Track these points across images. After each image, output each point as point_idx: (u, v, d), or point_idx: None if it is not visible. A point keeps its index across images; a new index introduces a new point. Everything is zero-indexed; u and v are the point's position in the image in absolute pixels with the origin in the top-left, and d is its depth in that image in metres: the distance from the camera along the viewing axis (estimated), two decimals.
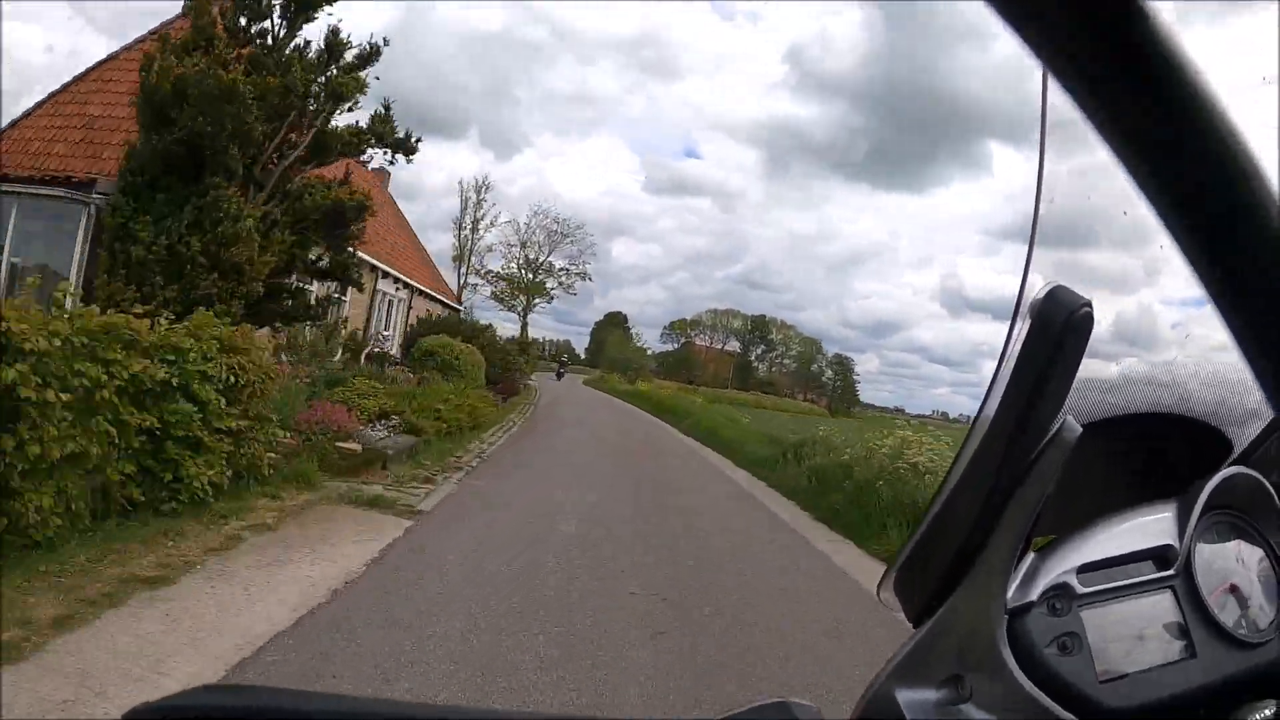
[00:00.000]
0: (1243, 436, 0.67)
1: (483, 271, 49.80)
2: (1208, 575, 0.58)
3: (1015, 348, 0.50)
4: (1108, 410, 0.63)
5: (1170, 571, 0.58)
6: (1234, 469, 0.63)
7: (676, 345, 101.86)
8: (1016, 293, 0.52)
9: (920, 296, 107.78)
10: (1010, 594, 0.54)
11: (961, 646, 0.53)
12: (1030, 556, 0.56)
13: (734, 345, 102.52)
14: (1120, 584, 0.57)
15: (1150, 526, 0.60)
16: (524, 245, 53.07)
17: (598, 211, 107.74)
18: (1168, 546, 0.58)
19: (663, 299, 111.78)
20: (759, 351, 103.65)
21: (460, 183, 66.78)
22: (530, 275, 52.64)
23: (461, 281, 45.72)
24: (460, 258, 47.59)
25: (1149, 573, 0.58)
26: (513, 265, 52.01)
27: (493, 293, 50.86)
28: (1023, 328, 0.49)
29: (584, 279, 55.25)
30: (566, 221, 57.04)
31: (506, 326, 42.44)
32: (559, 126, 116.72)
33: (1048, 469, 0.52)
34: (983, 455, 0.52)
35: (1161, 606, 0.57)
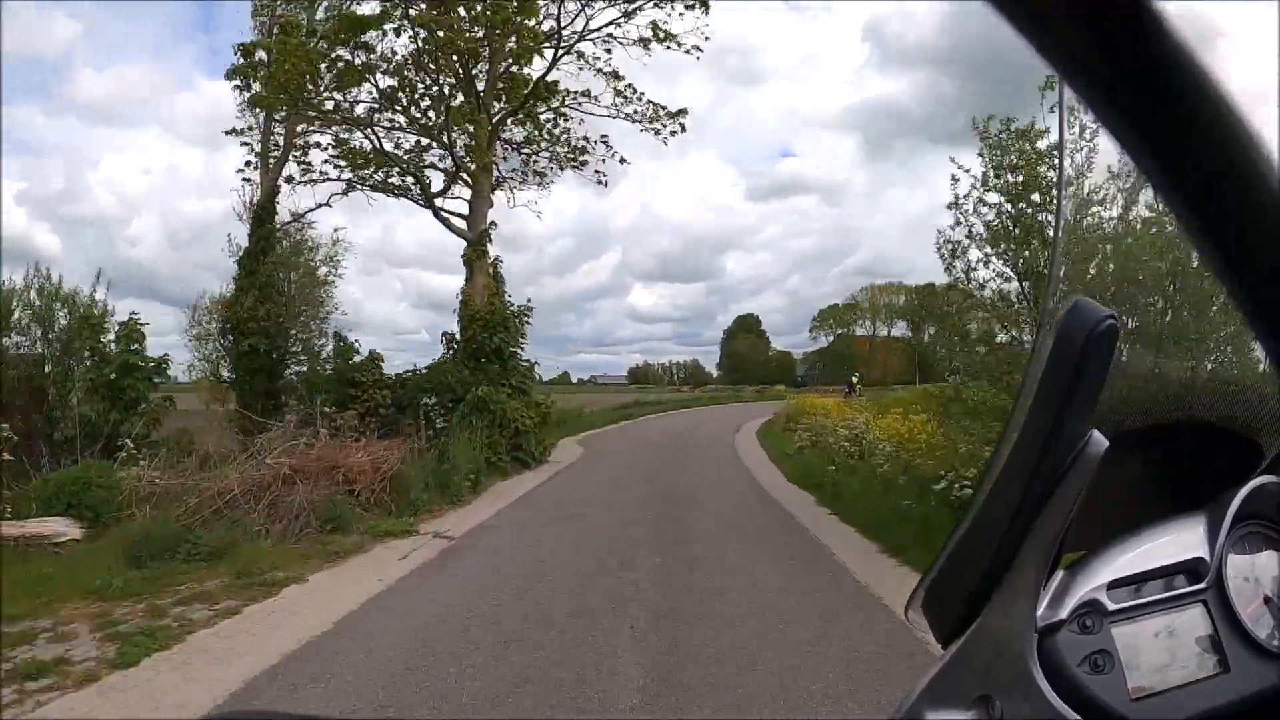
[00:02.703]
0: (1273, 444, 0.65)
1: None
2: (1240, 587, 0.57)
3: (1040, 362, 0.50)
4: (1136, 421, 0.64)
5: (1202, 585, 0.57)
6: (1264, 478, 0.61)
7: (829, 339, 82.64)
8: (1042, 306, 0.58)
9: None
10: (1040, 612, 0.53)
11: (991, 666, 0.53)
12: (1059, 574, 0.56)
13: (900, 329, 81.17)
14: (1151, 599, 0.56)
15: (1180, 539, 0.59)
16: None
17: (704, 228, 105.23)
18: (1199, 560, 0.57)
19: (781, 305, 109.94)
20: (931, 331, 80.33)
21: None
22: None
23: (271, 158, 11.84)
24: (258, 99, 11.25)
25: (1180, 586, 0.57)
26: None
27: (343, 152, 11.75)
28: (1047, 342, 0.50)
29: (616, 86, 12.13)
30: None
31: None
32: (652, 150, 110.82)
33: (1075, 484, 0.52)
34: (1010, 471, 0.52)
35: (1194, 621, 0.56)
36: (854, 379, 28.62)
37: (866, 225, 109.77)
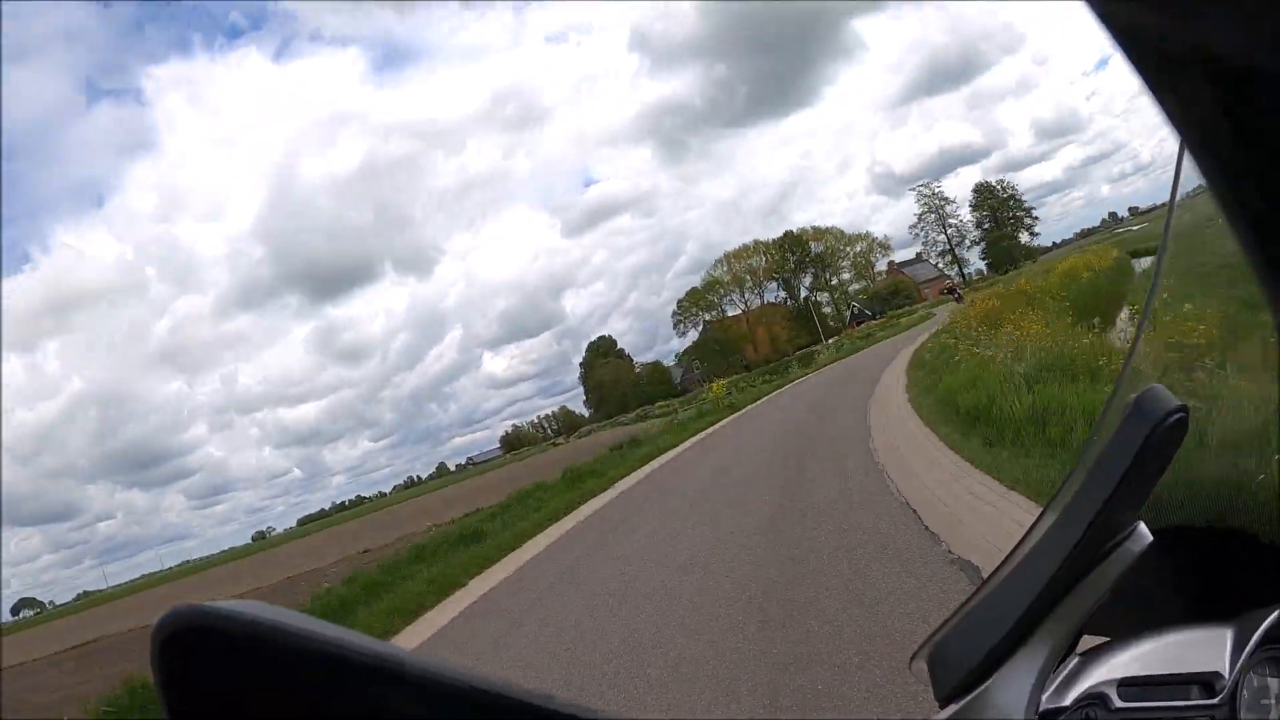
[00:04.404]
0: None
1: None
2: (1253, 711, 0.55)
3: (1101, 440, 0.49)
4: (1181, 519, 0.64)
5: (1214, 700, 0.54)
6: None
7: (700, 329, 78.79)
8: (1116, 378, 0.53)
9: (856, 198, 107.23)
10: (1046, 694, 0.52)
11: None
12: (1074, 658, 0.54)
13: (773, 292, 78.84)
14: (1160, 704, 0.54)
15: (1202, 649, 0.56)
16: None
17: (533, 279, 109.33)
18: (1216, 674, 0.55)
19: (630, 326, 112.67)
20: (808, 280, 76.17)
21: None
22: None
23: None
24: None
25: (1193, 698, 0.54)
26: None
27: None
28: (1112, 420, 0.48)
29: None
30: None
31: None
32: (462, 221, 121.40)
33: (1111, 572, 0.51)
34: (1048, 545, 0.51)
35: None
36: (952, 282, 28.92)
37: (685, 223, 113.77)
